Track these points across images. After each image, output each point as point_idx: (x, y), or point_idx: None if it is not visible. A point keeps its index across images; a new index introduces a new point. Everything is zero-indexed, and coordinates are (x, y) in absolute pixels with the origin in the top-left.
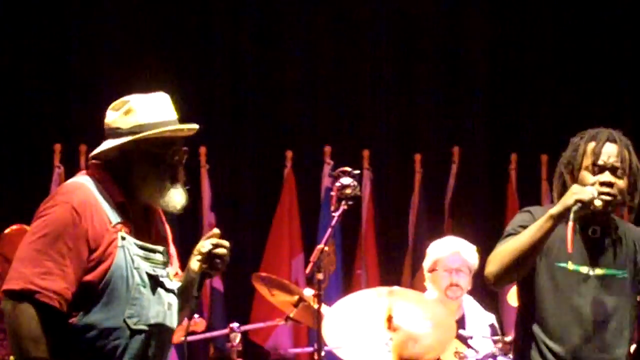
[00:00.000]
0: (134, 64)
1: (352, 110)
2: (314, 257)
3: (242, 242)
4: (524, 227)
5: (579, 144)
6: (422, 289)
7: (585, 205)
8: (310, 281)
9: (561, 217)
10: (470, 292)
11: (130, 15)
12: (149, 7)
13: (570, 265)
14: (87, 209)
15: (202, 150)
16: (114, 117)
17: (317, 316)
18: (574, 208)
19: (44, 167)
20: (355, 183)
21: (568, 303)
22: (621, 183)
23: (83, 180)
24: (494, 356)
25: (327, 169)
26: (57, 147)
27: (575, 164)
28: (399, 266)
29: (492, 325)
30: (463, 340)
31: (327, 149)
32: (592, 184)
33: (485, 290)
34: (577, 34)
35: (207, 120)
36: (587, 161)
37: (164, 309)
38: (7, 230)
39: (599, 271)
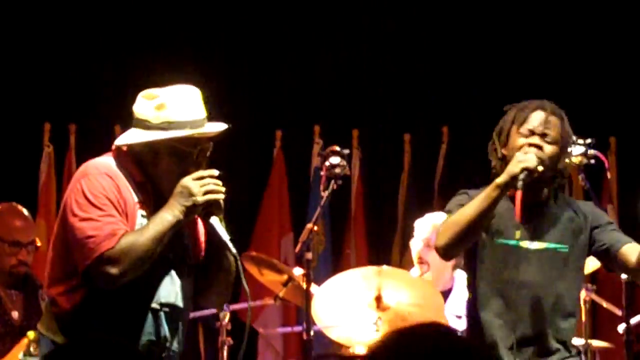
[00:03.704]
0: (125, 44)
1: (342, 90)
2: (303, 236)
3: (232, 221)
4: (463, 206)
5: (509, 113)
6: (411, 268)
7: (531, 171)
8: (299, 260)
9: (508, 186)
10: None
11: None
12: None
13: (510, 241)
14: (117, 180)
15: None
16: (144, 108)
17: (306, 296)
18: (521, 176)
19: (33, 146)
20: (345, 162)
21: (509, 278)
22: (550, 148)
23: (106, 159)
24: None
25: (316, 148)
26: (47, 126)
27: (504, 131)
28: (388, 246)
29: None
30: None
31: (317, 128)
32: (521, 146)
33: None
34: (568, 14)
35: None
36: (517, 127)
37: (175, 289)
38: None
39: (539, 245)
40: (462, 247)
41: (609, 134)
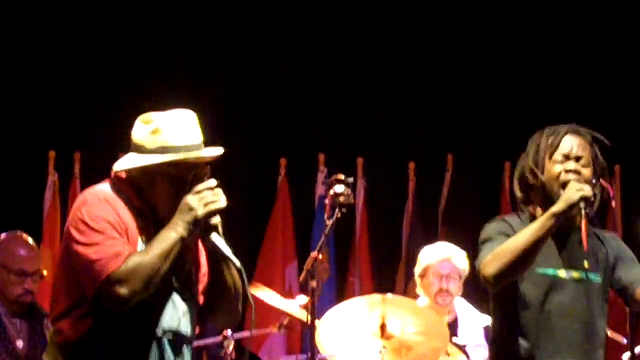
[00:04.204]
0: (129, 71)
1: (346, 118)
2: (307, 265)
3: (236, 249)
4: (505, 234)
5: (539, 141)
6: (416, 296)
7: (588, 200)
8: (304, 289)
9: (564, 215)
10: (465, 297)
11: (124, 22)
12: (143, 14)
13: (549, 270)
14: (116, 206)
15: None
16: (140, 133)
17: (311, 324)
18: (582, 204)
19: (38, 174)
20: (349, 191)
21: (548, 308)
22: (587, 172)
23: (104, 187)
24: None
25: (321, 176)
26: (52, 154)
27: (539, 160)
28: (392, 274)
29: (486, 328)
30: (458, 347)
31: (321, 156)
32: (559, 174)
33: (478, 294)
34: (570, 44)
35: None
36: (549, 155)
37: (178, 315)
38: (4, 238)
39: (576, 275)
40: (514, 277)
41: (613, 162)
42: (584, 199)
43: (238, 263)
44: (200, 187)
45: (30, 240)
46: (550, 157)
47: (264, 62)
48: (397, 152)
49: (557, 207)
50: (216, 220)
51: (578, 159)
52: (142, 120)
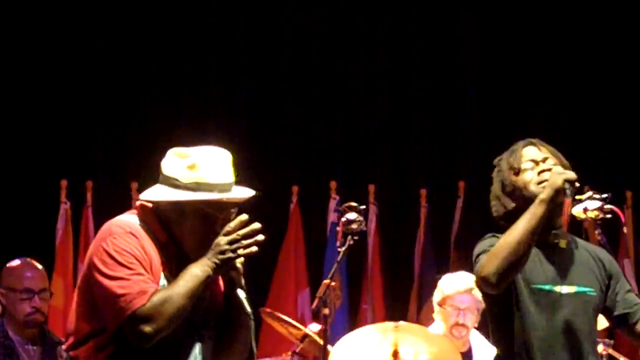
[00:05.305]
0: (140, 100)
1: (357, 145)
2: (320, 292)
3: (248, 276)
4: None
5: (500, 164)
6: (428, 323)
7: (572, 183)
8: (316, 316)
9: (552, 200)
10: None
11: (136, 52)
12: (154, 46)
13: (545, 286)
14: (142, 240)
15: None
16: (174, 166)
17: (323, 351)
18: (566, 186)
19: (50, 203)
20: (361, 218)
21: (549, 325)
22: (559, 169)
23: (131, 218)
24: None
25: (333, 204)
26: (64, 183)
27: (509, 180)
28: (404, 301)
29: (497, 358)
30: None
31: (333, 184)
32: (532, 178)
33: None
34: (582, 73)
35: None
36: (517, 169)
37: (195, 352)
38: (10, 264)
39: (570, 289)
40: (513, 273)
41: (625, 188)
42: (568, 181)
43: (249, 308)
44: (231, 225)
45: (38, 265)
46: (517, 172)
47: (274, 90)
48: (409, 178)
49: (544, 194)
50: (239, 260)
51: (545, 160)
52: (176, 154)
